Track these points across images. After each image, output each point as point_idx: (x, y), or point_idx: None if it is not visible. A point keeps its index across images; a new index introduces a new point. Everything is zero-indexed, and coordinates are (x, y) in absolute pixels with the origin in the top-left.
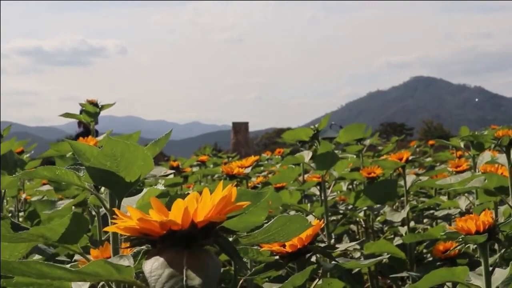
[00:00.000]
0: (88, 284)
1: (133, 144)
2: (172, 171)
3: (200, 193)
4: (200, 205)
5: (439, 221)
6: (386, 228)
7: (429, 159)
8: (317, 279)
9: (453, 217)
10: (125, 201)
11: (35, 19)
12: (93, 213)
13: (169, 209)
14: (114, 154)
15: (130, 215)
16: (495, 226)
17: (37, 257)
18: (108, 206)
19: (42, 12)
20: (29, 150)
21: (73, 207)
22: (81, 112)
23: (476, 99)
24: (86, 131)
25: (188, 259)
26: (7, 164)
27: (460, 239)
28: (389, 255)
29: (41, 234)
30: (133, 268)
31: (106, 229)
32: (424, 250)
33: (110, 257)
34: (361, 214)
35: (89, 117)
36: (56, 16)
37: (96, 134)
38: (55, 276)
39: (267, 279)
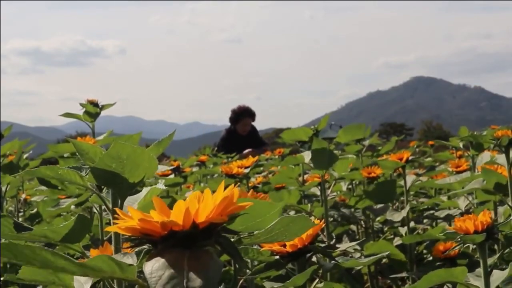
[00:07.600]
0: (90, 282)
1: (140, 147)
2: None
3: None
4: (201, 205)
5: (439, 221)
6: (386, 228)
7: (429, 159)
8: (317, 279)
9: (453, 217)
10: (127, 201)
11: (34, 19)
12: (95, 211)
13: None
14: (120, 156)
15: (131, 215)
16: (493, 226)
17: None
18: (110, 205)
19: (41, 13)
20: (27, 150)
21: (73, 206)
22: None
23: (484, 103)
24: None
25: (189, 260)
26: (13, 168)
27: (459, 239)
28: (388, 254)
29: (43, 234)
30: (135, 267)
31: (107, 229)
32: (424, 251)
33: None
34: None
35: (89, 117)
36: (55, 16)
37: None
38: (58, 266)
39: (266, 279)
